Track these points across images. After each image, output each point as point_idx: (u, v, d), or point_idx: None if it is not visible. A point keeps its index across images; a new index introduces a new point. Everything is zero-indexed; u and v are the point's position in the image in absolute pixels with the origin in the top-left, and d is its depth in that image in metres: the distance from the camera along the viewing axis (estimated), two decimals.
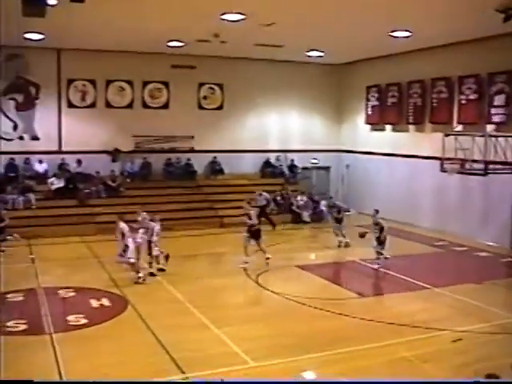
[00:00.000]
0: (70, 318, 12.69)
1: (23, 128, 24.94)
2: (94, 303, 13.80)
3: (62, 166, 25.16)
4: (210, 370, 9.83)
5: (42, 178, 24.69)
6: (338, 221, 20.74)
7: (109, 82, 26.00)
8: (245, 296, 15.06)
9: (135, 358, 10.52)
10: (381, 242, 17.33)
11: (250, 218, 17.96)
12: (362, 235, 18.58)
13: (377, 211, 17.79)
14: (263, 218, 23.11)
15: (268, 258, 17.55)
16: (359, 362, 10.32)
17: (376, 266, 17.23)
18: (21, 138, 24.96)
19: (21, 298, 14.13)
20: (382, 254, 17.32)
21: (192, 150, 27.17)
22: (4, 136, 24.57)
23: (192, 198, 25.38)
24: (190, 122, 26.93)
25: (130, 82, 26.33)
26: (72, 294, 14.57)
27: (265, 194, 24.54)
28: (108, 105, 26.12)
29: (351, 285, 15.94)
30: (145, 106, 26.71)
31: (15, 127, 24.87)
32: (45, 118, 25.19)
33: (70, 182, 24.50)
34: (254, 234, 17.84)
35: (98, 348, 11.05)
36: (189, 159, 27.09)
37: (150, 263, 16.47)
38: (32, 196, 23.46)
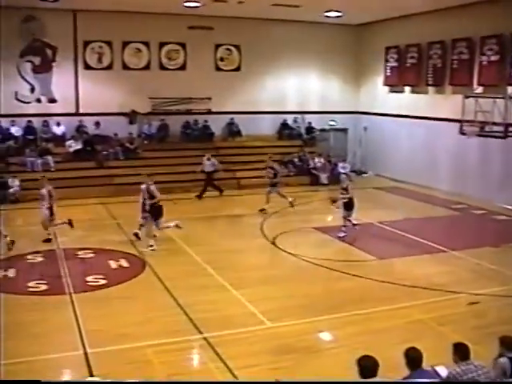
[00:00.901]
0: (89, 278, 12.88)
1: (40, 90, 24.99)
2: (113, 264, 13.97)
3: (80, 129, 25.25)
4: (227, 330, 9.97)
5: (59, 140, 24.83)
6: (273, 184, 20.22)
7: (125, 44, 25.87)
8: (262, 258, 15.12)
9: (153, 318, 10.66)
10: (349, 208, 16.53)
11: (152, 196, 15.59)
12: (334, 200, 17.33)
13: (347, 175, 17.45)
14: (210, 186, 22.75)
15: (151, 246, 15.16)
16: (375, 324, 10.38)
17: (341, 235, 16.43)
18: (38, 100, 25.04)
19: (41, 259, 14.33)
20: (350, 221, 16.67)
21: (209, 112, 27.08)
22: (21, 99, 24.70)
23: None
24: (208, 83, 26.76)
25: (146, 44, 26.18)
26: (91, 255, 14.76)
27: (213, 159, 23.02)
28: (125, 66, 26.04)
29: (368, 247, 15.91)
30: (162, 67, 26.58)
31: (32, 90, 24.93)
32: (62, 81, 25.19)
33: (87, 144, 24.59)
34: (156, 212, 15.49)
35: (117, 308, 11.22)
36: (206, 121, 27.03)
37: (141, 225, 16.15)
38: (50, 158, 23.60)
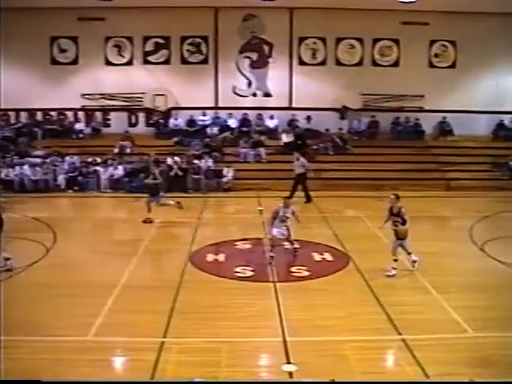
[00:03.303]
0: (293, 269, 13.23)
1: (257, 85, 26.23)
2: (317, 257, 14.23)
3: (292, 122, 26.00)
4: (427, 334, 9.70)
5: (272, 133, 25.75)
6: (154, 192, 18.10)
7: (339, 40, 26.17)
8: (469, 263, 14.42)
9: (353, 314, 10.68)
10: (400, 237, 12.95)
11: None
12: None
13: (397, 196, 13.15)
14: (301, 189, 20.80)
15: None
16: None
17: (391, 273, 12.81)
18: (254, 94, 26.32)
19: (248, 247, 14.99)
20: (408, 252, 13.07)
21: (421, 110, 26.52)
22: (239, 92, 26.02)
23: (419, 158, 24.85)
24: (420, 80, 26.23)
25: (360, 40, 26.27)
26: (296, 246, 15.08)
27: (302, 159, 21.28)
28: (338, 62, 26.36)
29: None
30: (374, 63, 26.54)
31: (249, 84, 26.23)
32: (277, 76, 26.24)
33: (299, 137, 25.22)
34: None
35: (318, 300, 11.41)
36: (417, 119, 26.52)
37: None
38: (262, 150, 24.57)
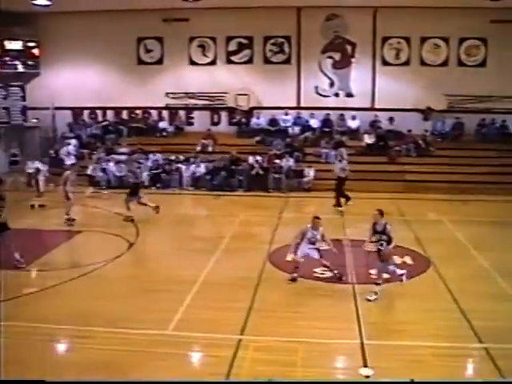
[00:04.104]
0: (373, 271, 13.07)
1: (339, 85, 26.16)
2: (397, 260, 13.96)
3: (374, 123, 25.73)
4: (510, 343, 9.42)
5: (354, 133, 25.59)
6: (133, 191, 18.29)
7: (424, 39, 25.74)
8: None
9: (432, 319, 10.50)
10: (383, 259, 11.75)
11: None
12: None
13: (381, 212, 12.02)
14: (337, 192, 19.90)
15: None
16: None
17: (372, 297, 11.38)
18: (336, 94, 26.25)
19: (327, 248, 14.88)
20: (400, 275, 11.98)
21: (509, 111, 25.66)
22: (321, 93, 26.01)
23: (505, 161, 24.01)
24: (509, 81, 25.26)
25: (445, 39, 25.72)
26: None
27: (345, 161, 20.30)
28: (422, 62, 25.90)
29: None
30: (460, 63, 25.88)
31: (332, 84, 26.21)
32: (359, 76, 26.04)
33: (381, 139, 24.94)
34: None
35: (397, 304, 11.35)
36: (504, 121, 25.65)
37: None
38: (344, 151, 24.36)
